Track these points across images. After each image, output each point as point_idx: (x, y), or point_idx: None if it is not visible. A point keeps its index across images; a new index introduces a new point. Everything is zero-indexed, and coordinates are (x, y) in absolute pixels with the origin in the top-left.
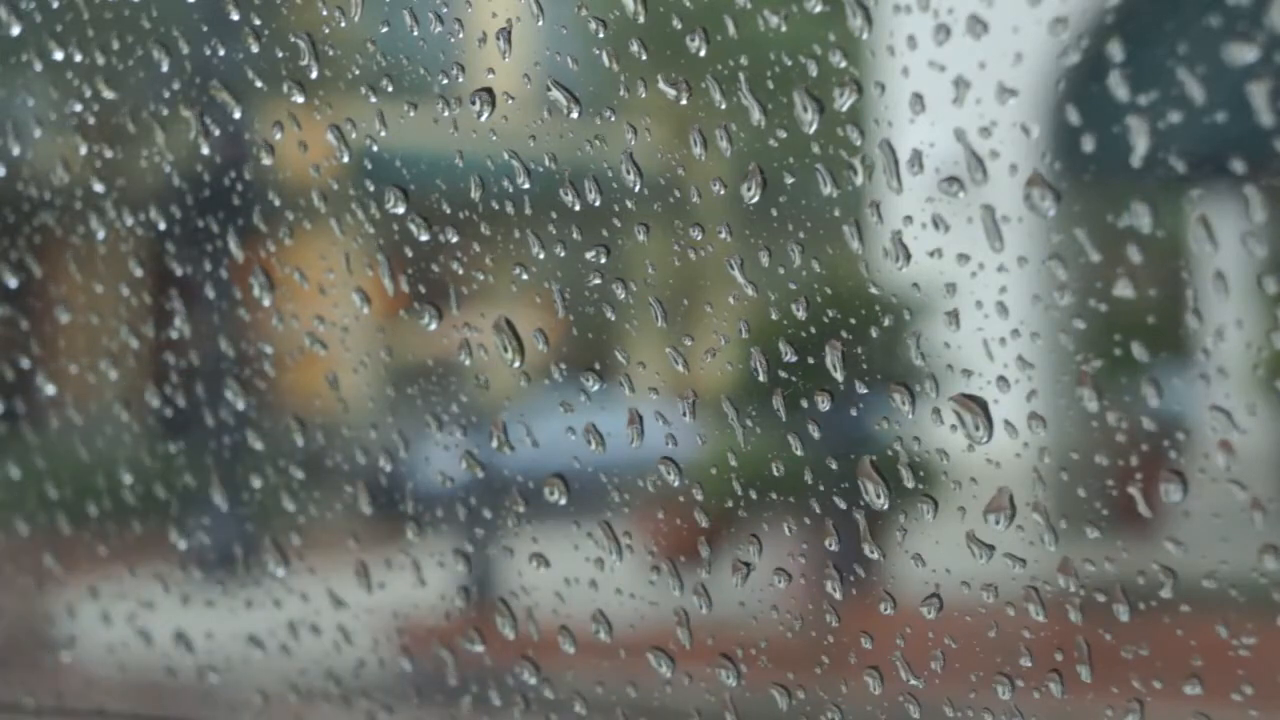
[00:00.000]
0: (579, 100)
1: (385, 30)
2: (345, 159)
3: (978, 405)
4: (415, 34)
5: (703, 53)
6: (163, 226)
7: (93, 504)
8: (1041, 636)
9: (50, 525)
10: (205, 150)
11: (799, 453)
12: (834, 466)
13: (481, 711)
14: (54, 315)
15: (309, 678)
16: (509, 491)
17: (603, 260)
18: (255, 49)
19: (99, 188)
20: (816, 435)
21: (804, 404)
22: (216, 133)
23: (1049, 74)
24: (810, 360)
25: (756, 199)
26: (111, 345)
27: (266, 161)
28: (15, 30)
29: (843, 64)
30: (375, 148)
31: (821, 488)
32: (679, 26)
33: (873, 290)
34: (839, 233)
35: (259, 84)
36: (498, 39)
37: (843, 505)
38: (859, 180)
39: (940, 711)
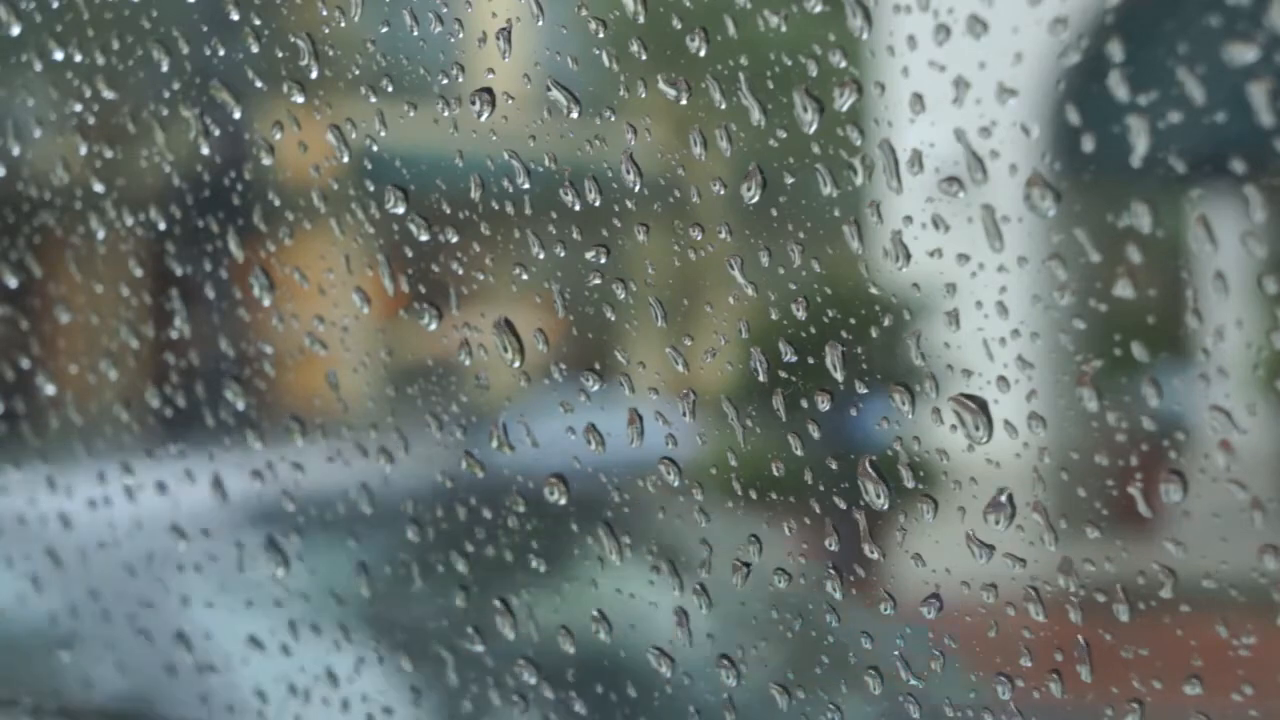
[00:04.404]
0: (579, 100)
1: (385, 30)
2: (345, 159)
3: (978, 405)
4: (415, 34)
5: (703, 53)
6: (163, 226)
7: None
8: (1041, 636)
9: None
10: (205, 150)
11: (799, 453)
12: (834, 466)
13: (481, 711)
14: (54, 315)
15: (309, 678)
16: (509, 491)
17: (603, 260)
18: (255, 49)
19: (99, 188)
20: (816, 435)
21: (804, 404)
22: (216, 133)
23: (1049, 74)
24: (810, 360)
25: (756, 199)
26: (111, 345)
27: (266, 161)
28: (15, 30)
29: (843, 64)
30: (375, 148)
31: (821, 488)
32: (679, 26)
33: (873, 290)
34: (839, 233)
35: (259, 84)
36: (498, 39)
37: (843, 505)
38: (859, 180)
39: (940, 711)
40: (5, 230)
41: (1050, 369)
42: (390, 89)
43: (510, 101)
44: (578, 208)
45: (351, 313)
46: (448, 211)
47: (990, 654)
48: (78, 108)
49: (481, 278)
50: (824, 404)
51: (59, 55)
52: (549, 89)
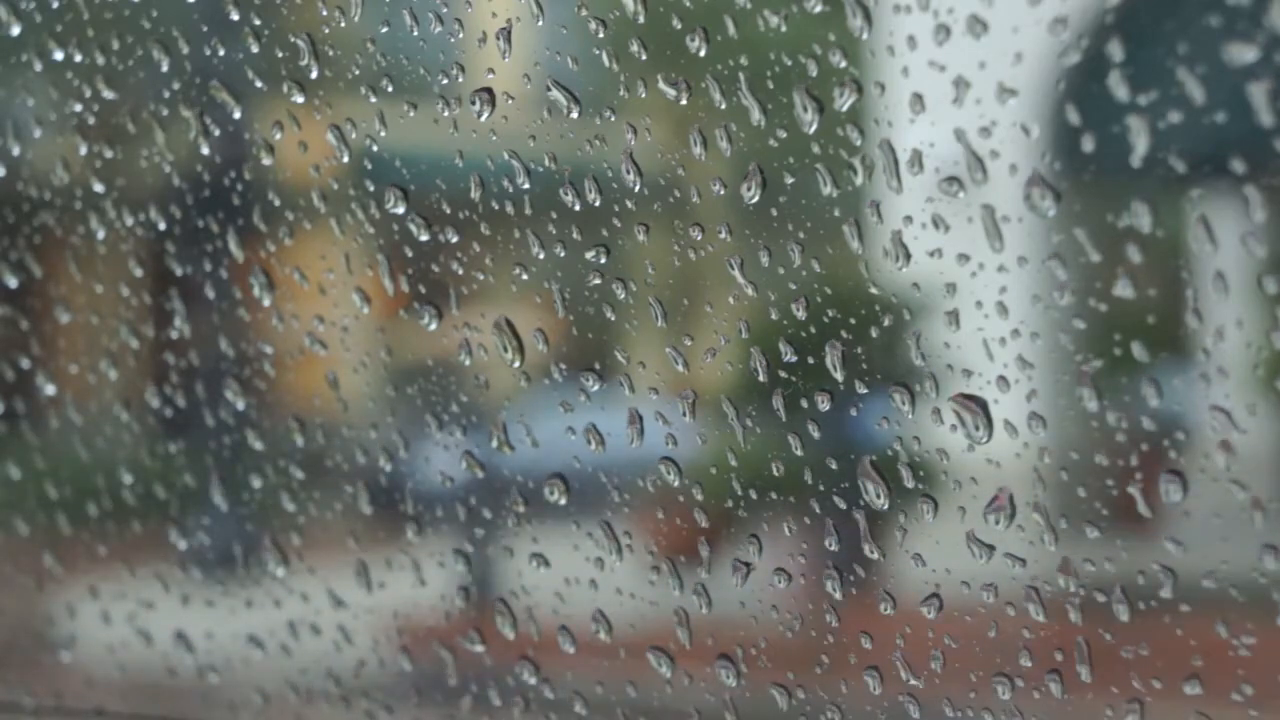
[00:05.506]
0: (579, 100)
1: (385, 30)
2: (345, 159)
3: (978, 405)
4: (415, 34)
5: (703, 53)
6: (163, 226)
7: (93, 504)
8: (1041, 636)
9: (50, 525)
10: (205, 150)
11: (799, 453)
12: (834, 466)
13: (481, 711)
14: (54, 315)
15: (309, 678)
16: (509, 491)
17: (603, 260)
18: (255, 49)
19: (99, 188)
20: (816, 435)
21: (804, 404)
22: (216, 133)
23: (1049, 74)
24: (810, 360)
25: (756, 199)
26: (111, 345)
27: (266, 161)
28: (15, 30)
29: (843, 64)
30: (375, 148)
31: (821, 488)
32: (679, 26)
33: (873, 290)
34: (839, 233)
35: (259, 84)
36: (498, 39)
37: (843, 505)
38: (859, 180)
39: (940, 711)
40: (5, 230)
41: (1050, 369)
42: (390, 89)
43: (510, 101)
44: (578, 208)
45: (351, 313)
46: (448, 211)
47: (990, 654)
48: (78, 108)
49: (481, 278)
50: (824, 404)
51: (59, 55)
52: (549, 89)
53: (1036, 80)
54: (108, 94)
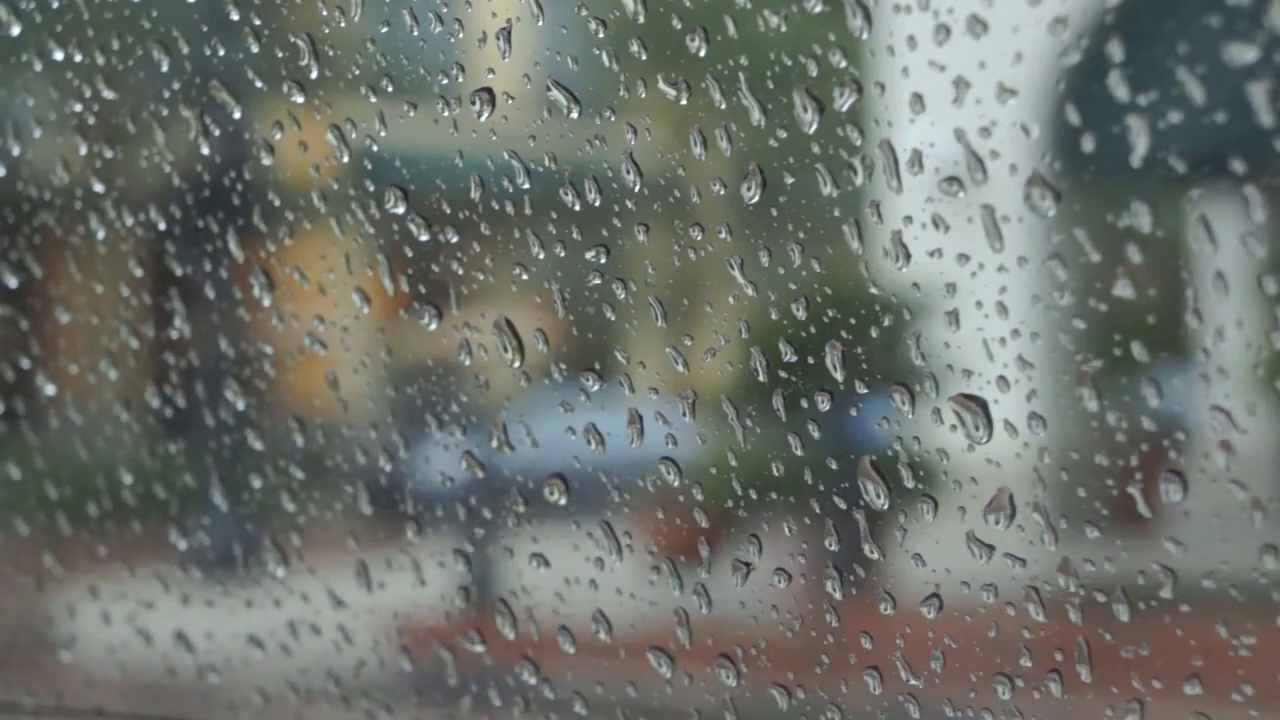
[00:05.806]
0: (579, 100)
1: (385, 30)
2: (345, 159)
3: (978, 405)
4: (415, 34)
5: (703, 53)
6: (163, 226)
7: (93, 504)
8: (1041, 636)
9: (50, 525)
10: (205, 150)
11: (799, 453)
12: (834, 466)
13: (481, 711)
14: (54, 315)
15: (309, 678)
16: (509, 491)
17: (603, 260)
18: (255, 49)
19: (99, 188)
20: (816, 435)
21: (804, 404)
22: (216, 133)
23: (1049, 74)
24: (810, 360)
25: (756, 199)
26: (111, 345)
27: (266, 161)
28: (15, 30)
29: (843, 64)
30: (375, 148)
31: (821, 488)
32: (679, 26)
33: (873, 290)
34: (839, 233)
35: (259, 84)
36: (498, 39)
37: (843, 505)
38: (859, 180)
39: (940, 711)
40: (5, 230)
41: (1050, 369)
42: (390, 89)
43: (510, 101)
44: (578, 208)
45: (351, 313)
46: (448, 211)
47: (990, 654)
48: (78, 108)
49: (481, 278)
50: (824, 404)
51: (59, 55)
52: (549, 89)
53: (1036, 80)
54: (108, 94)
